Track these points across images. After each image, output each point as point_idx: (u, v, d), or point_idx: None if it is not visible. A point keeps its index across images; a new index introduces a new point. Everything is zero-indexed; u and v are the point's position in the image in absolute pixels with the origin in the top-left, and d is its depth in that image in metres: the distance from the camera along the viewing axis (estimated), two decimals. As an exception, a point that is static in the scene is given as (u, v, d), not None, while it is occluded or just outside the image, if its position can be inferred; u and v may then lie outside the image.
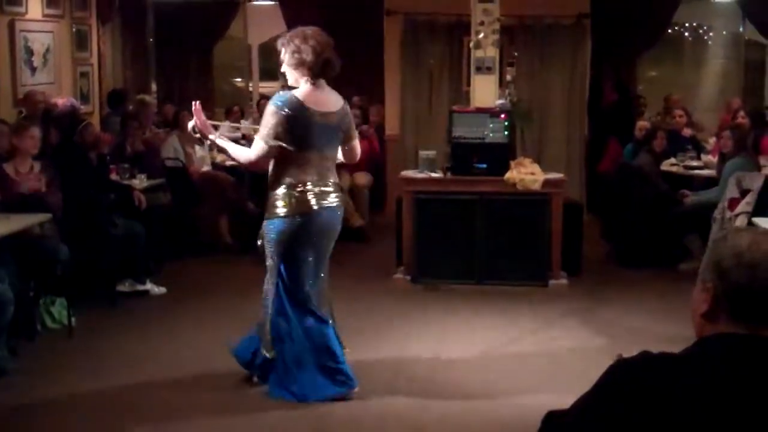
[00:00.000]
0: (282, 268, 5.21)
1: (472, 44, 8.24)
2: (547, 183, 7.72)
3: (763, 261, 1.88)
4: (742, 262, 1.88)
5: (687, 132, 10.27)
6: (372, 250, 8.70)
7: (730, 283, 1.89)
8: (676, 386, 1.83)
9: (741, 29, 13.00)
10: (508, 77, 9.44)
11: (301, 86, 5.11)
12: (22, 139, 6.61)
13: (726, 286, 1.90)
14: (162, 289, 7.59)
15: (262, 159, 5.08)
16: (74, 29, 10.08)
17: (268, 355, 5.29)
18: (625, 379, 1.88)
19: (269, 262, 5.20)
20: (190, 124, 5.21)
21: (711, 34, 14.72)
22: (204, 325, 6.77)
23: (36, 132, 6.69)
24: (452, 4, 9.58)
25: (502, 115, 7.79)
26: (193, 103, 5.22)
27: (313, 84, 5.09)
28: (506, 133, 7.79)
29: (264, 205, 5.34)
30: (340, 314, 6.73)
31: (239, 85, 15.19)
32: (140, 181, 8.25)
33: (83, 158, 7.43)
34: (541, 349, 6.23)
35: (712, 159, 9.21)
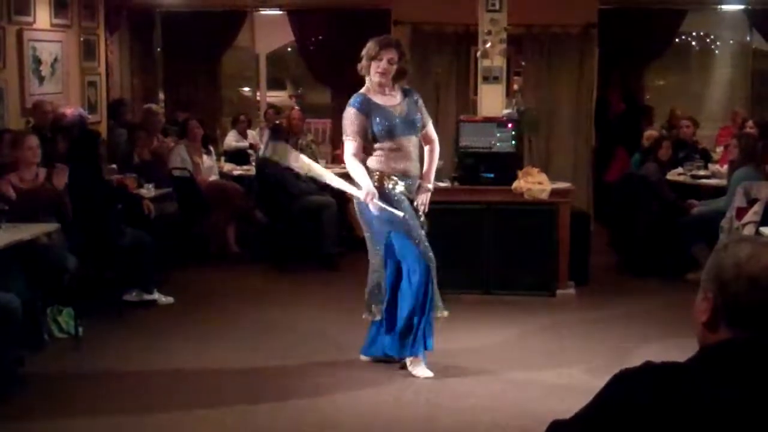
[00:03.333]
0: None
1: (479, 53, 8.25)
2: (554, 192, 7.71)
3: (762, 273, 1.88)
4: (742, 274, 1.89)
5: (692, 137, 10.24)
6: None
7: (730, 294, 1.90)
8: (678, 396, 1.83)
9: (748, 39, 12.99)
10: (516, 87, 9.45)
11: None
12: (21, 151, 6.61)
13: (725, 297, 1.91)
14: (169, 299, 7.59)
15: None
16: (82, 39, 10.12)
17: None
18: (627, 389, 1.88)
19: None
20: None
21: (718, 43, 14.74)
22: (211, 334, 6.77)
23: (33, 141, 6.68)
24: (460, 14, 9.60)
25: (510, 125, 7.79)
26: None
27: None
28: (513, 142, 7.79)
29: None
30: (348, 324, 6.74)
31: (247, 94, 15.22)
32: (148, 191, 8.26)
33: (93, 169, 7.44)
34: (548, 359, 6.21)
35: (720, 168, 9.19)
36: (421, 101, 5.96)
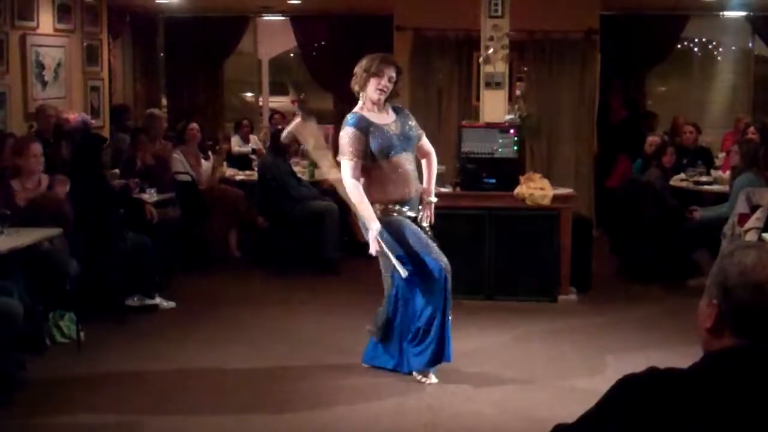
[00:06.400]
0: None
1: (481, 59, 8.25)
2: (556, 198, 7.71)
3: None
4: (748, 282, 1.89)
5: (694, 143, 10.24)
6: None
7: (735, 301, 1.90)
8: (683, 402, 1.83)
9: (750, 45, 13.00)
10: (518, 92, 9.43)
11: None
12: (24, 158, 6.58)
13: (730, 304, 1.91)
14: (171, 304, 7.59)
15: None
16: (85, 44, 10.14)
17: None
18: (631, 395, 1.89)
19: None
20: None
21: (720, 49, 14.74)
22: (213, 339, 6.77)
23: (37, 149, 6.65)
24: (462, 20, 9.61)
25: (512, 131, 7.80)
26: None
27: None
28: (515, 148, 7.79)
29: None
30: (349, 329, 6.74)
31: (249, 99, 15.24)
32: (150, 196, 8.26)
33: (95, 174, 7.44)
34: (550, 364, 6.21)
35: (722, 174, 9.20)
36: (411, 115, 5.96)
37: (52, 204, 6.53)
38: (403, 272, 5.52)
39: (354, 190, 5.58)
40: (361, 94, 5.71)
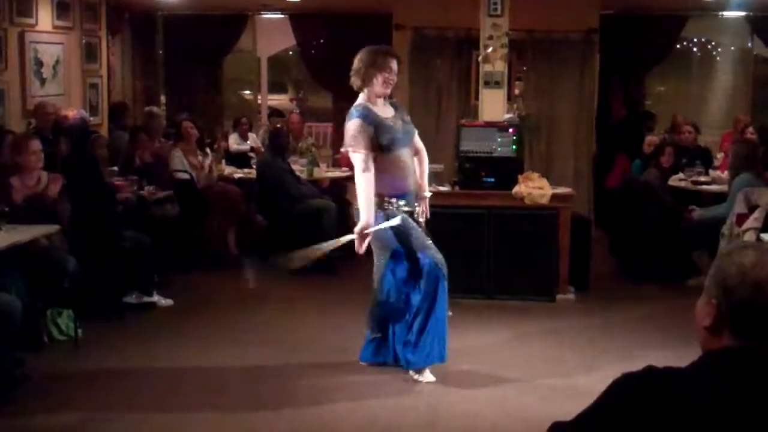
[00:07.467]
0: None
1: (480, 58, 8.25)
2: (555, 197, 7.71)
3: (766, 280, 1.89)
4: (747, 281, 1.90)
5: (693, 143, 10.24)
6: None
7: (734, 300, 1.91)
8: (680, 400, 1.83)
9: (749, 45, 13.00)
10: (517, 91, 9.45)
11: None
12: (24, 156, 6.55)
13: (730, 303, 1.91)
14: (169, 301, 7.58)
15: None
16: (84, 41, 10.12)
17: None
18: (629, 393, 1.89)
19: None
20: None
21: (720, 49, 14.75)
22: (210, 337, 6.76)
23: (36, 146, 6.62)
24: (461, 19, 9.60)
25: (510, 130, 7.79)
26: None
27: None
28: (514, 147, 7.78)
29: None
30: (348, 328, 6.74)
31: (248, 97, 15.24)
32: (148, 194, 8.25)
33: (93, 171, 7.43)
34: (548, 364, 6.21)
35: (721, 174, 9.19)
36: (405, 111, 5.96)
37: (46, 203, 6.51)
38: (396, 221, 5.49)
39: (364, 183, 5.45)
40: (364, 89, 5.65)
